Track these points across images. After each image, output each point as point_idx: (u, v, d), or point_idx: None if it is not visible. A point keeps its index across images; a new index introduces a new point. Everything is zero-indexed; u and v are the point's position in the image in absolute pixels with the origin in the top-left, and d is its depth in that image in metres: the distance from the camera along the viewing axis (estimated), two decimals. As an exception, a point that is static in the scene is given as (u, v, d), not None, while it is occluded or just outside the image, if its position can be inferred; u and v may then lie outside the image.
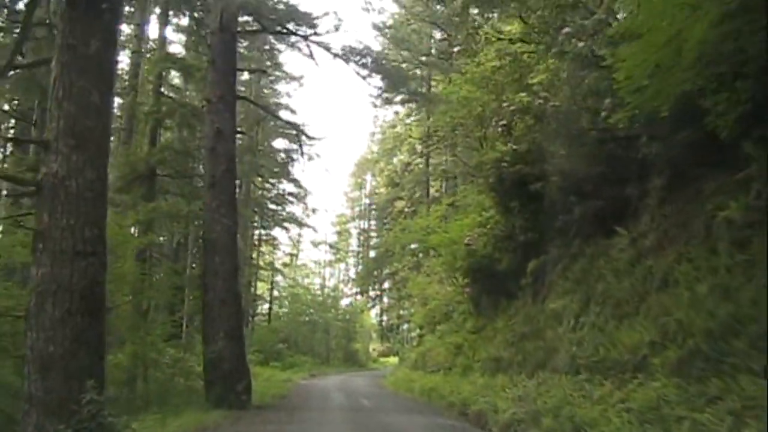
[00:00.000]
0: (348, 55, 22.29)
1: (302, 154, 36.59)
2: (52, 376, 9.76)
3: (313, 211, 56.89)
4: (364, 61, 22.55)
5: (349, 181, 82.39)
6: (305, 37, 21.65)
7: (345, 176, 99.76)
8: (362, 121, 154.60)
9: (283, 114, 44.95)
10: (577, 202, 16.44)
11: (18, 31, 15.16)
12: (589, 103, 15.22)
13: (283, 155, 50.21)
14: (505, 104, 19.20)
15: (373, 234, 73.20)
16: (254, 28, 23.51)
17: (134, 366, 19.50)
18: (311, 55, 22.62)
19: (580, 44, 14.55)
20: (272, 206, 53.01)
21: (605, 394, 10.71)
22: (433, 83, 41.87)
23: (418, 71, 44.09)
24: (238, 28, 20.93)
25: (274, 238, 59.51)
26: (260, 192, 49.91)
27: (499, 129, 19.99)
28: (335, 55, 21.93)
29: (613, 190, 15.29)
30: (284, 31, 22.60)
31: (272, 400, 21.38)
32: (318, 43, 21.68)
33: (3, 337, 14.56)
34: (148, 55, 26.53)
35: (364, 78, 23.19)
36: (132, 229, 19.90)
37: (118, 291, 18.94)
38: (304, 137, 28.05)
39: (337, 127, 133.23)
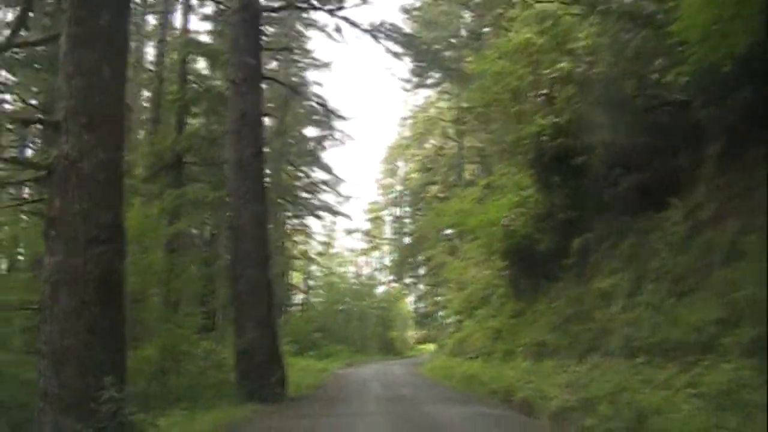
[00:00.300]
0: (377, 31, 21.36)
1: (333, 135, 35.46)
2: (67, 370, 9.06)
3: (347, 198, 55.93)
4: (394, 36, 21.61)
5: (380, 168, 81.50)
6: (331, 12, 20.76)
7: (376, 163, 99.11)
8: (392, 107, 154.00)
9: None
10: (623, 175, 15.48)
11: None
12: (636, 67, 14.16)
13: (312, 144, 49.33)
14: (545, 72, 18.12)
15: (407, 221, 72.18)
16: (278, 4, 22.61)
17: (164, 359, 18.82)
18: (338, 31, 21.67)
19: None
20: (304, 195, 52.12)
21: (669, 378, 9.75)
22: (463, 64, 40.68)
23: (447, 53, 43.10)
24: (261, 2, 20.05)
25: (307, 226, 58.70)
26: (292, 181, 49.06)
27: (539, 99, 18.93)
28: (364, 31, 21.02)
29: (661, 160, 14.32)
30: (309, 5, 21.66)
31: (308, 391, 20.61)
32: (345, 18, 20.80)
33: (25, 332, 13.93)
34: (170, 40, 25.74)
35: (395, 55, 22.26)
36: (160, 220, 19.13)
37: (146, 282, 18.35)
38: (333, 117, 27.09)
39: (367, 115, 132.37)
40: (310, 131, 49.53)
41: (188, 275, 22.42)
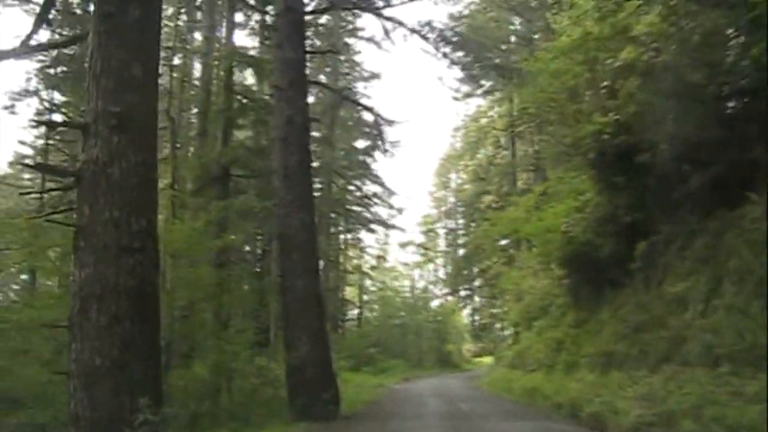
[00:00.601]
0: (426, 30, 20.51)
1: (382, 141, 34.59)
2: (99, 391, 8.35)
3: (399, 211, 55.04)
4: (443, 35, 20.72)
5: (433, 180, 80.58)
6: (378, 12, 19.96)
7: (429, 176, 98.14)
8: (443, 119, 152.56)
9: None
10: (693, 171, 14.33)
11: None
12: (705, 53, 13.04)
13: (362, 156, 48.64)
14: (607, 62, 17.02)
15: (460, 233, 71.00)
16: (323, 6, 21.91)
17: (215, 377, 18.16)
18: (386, 33, 20.79)
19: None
20: (356, 208, 51.49)
21: (761, 390, 8.61)
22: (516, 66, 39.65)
23: (497, 60, 42.23)
24: (306, 7, 19.35)
25: (360, 240, 57.96)
26: (343, 194, 48.45)
27: (601, 93, 17.81)
28: (412, 31, 20.19)
29: (734, 153, 13.15)
30: (354, 5, 20.88)
31: (363, 408, 19.76)
32: (391, 19, 19.98)
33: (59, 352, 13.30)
34: (216, 54, 25.22)
35: (444, 56, 21.35)
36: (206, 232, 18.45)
37: (195, 297, 17.71)
38: (382, 123, 26.24)
39: (417, 127, 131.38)
40: (360, 144, 48.96)
41: (239, 289, 21.75)
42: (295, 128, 17.00)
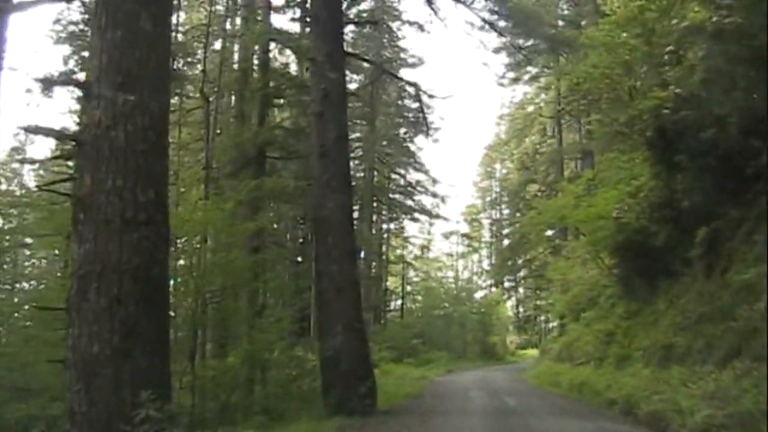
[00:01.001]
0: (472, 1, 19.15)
1: (425, 119, 33.06)
2: (98, 383, 7.32)
3: (443, 200, 53.66)
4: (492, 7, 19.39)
5: (477, 170, 79.19)
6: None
7: (473, 166, 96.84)
8: (487, 109, 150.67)
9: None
10: (765, 148, 12.89)
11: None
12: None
13: (405, 136, 47.20)
14: (674, 21, 15.54)
15: (505, 222, 69.40)
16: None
17: (250, 368, 17.20)
18: (428, 4, 19.47)
19: None
20: (399, 197, 50.30)
21: None
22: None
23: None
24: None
25: (403, 229, 56.78)
26: (386, 182, 47.33)
27: (661, 63, 16.36)
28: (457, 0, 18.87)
29: (814, 127, 11.74)
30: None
31: (403, 402, 18.58)
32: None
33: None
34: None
35: (491, 26, 19.94)
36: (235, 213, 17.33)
37: (228, 283, 16.72)
38: (426, 100, 24.84)
39: (461, 117, 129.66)
40: (403, 130, 47.71)
41: (275, 276, 20.72)
42: (332, 103, 15.81)
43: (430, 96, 20.56)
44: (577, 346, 26.66)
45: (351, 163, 41.06)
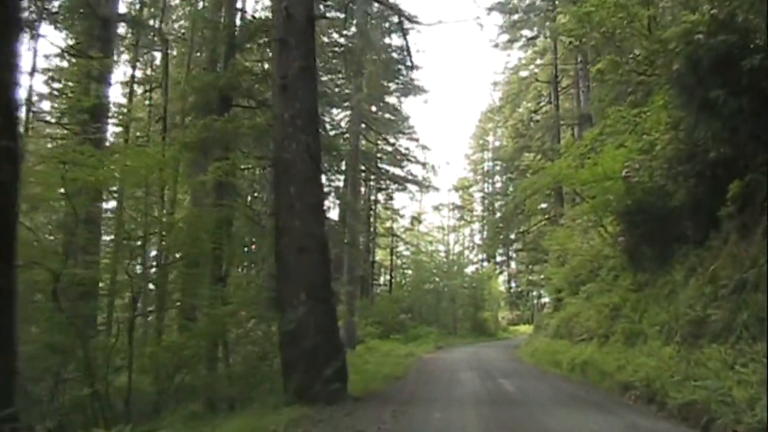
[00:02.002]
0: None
1: (408, 51, 29.95)
2: None
3: (434, 170, 50.89)
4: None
5: (470, 143, 76.54)
6: None
7: (465, 139, 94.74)
8: (481, 81, 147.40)
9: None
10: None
11: None
12: None
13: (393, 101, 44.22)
14: None
15: (498, 195, 66.64)
16: None
17: (212, 345, 14.58)
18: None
19: None
20: (388, 168, 47.45)
21: None
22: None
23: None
24: None
25: (392, 198, 53.92)
26: (374, 148, 44.45)
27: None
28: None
29: None
30: None
31: (382, 386, 15.96)
32: None
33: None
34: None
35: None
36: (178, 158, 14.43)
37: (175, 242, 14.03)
38: (408, 25, 21.83)
39: (454, 88, 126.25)
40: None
41: (241, 235, 17.88)
42: (296, 27, 12.97)
43: (414, 22, 17.71)
44: (577, 321, 24.13)
45: (334, 126, 38.77)
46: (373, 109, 42.74)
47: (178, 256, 13.86)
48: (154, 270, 13.80)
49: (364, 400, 12.47)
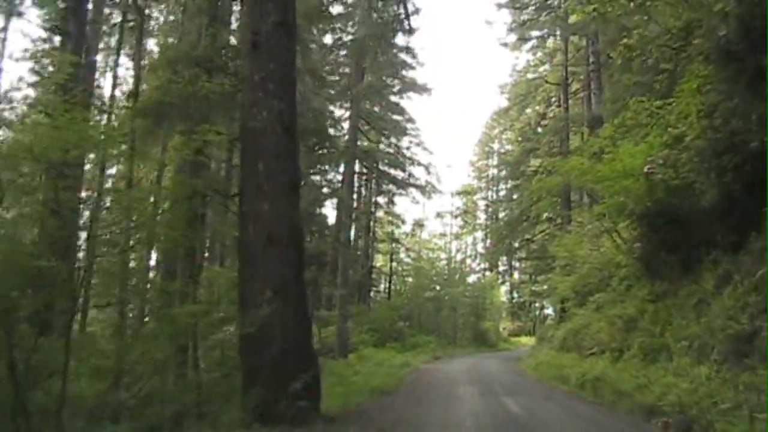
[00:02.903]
0: None
1: (407, 17, 27.54)
2: None
3: (437, 178, 48.60)
4: None
5: (475, 150, 74.34)
6: None
7: (470, 145, 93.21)
8: (488, 86, 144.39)
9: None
10: None
11: None
12: None
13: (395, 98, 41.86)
14: None
15: (503, 200, 64.13)
16: None
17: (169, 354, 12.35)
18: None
19: None
20: (389, 169, 45.08)
21: None
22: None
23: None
24: None
25: (392, 201, 51.57)
26: (375, 147, 42.11)
27: None
28: None
29: None
30: None
31: (367, 402, 13.75)
32: None
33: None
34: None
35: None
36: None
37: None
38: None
39: (460, 94, 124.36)
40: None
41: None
42: (271, -30, 10.82)
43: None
44: (586, 333, 21.96)
45: (333, 124, 36.62)
46: (376, 109, 40.61)
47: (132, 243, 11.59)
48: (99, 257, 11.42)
49: (340, 421, 10.19)
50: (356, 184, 48.82)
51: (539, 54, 45.11)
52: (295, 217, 10.41)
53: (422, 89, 38.65)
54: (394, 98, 41.36)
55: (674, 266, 16.94)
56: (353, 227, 48.59)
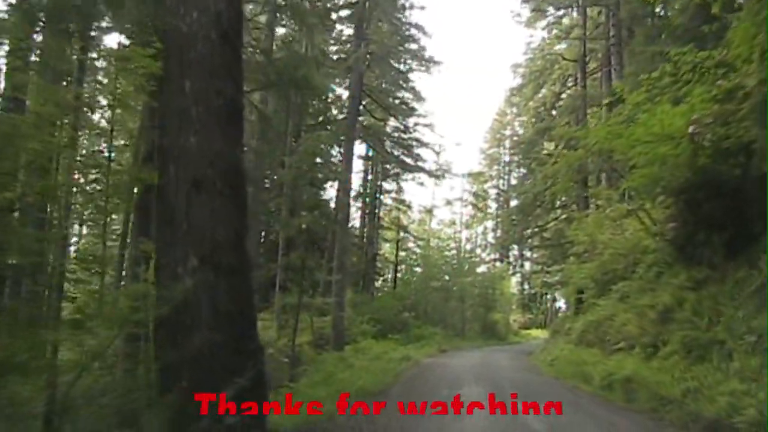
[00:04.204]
0: None
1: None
2: None
3: (447, 166, 45.44)
4: None
5: (486, 137, 71.30)
6: None
7: (480, 132, 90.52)
8: (500, 69, 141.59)
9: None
10: None
11: None
12: None
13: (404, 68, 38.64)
14: None
15: (514, 182, 61.30)
16: None
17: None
18: None
19: None
20: (395, 149, 42.08)
21: None
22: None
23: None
24: None
25: (399, 185, 48.65)
26: (381, 125, 39.18)
27: None
28: None
29: None
30: None
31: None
32: None
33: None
34: None
35: None
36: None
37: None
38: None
39: (470, 71, 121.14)
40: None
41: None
42: None
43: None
44: (610, 326, 19.01)
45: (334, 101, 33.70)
46: (384, 85, 37.54)
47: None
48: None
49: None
50: (361, 168, 46.22)
51: (555, 32, 42.08)
52: (233, 155, 7.29)
53: (431, 62, 35.39)
54: (400, 67, 37.93)
55: (717, 248, 14.28)
56: (358, 214, 46.01)
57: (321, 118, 34.50)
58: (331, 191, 36.27)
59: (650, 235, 19.22)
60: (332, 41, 34.52)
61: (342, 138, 29.32)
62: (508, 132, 67.67)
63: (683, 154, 14.92)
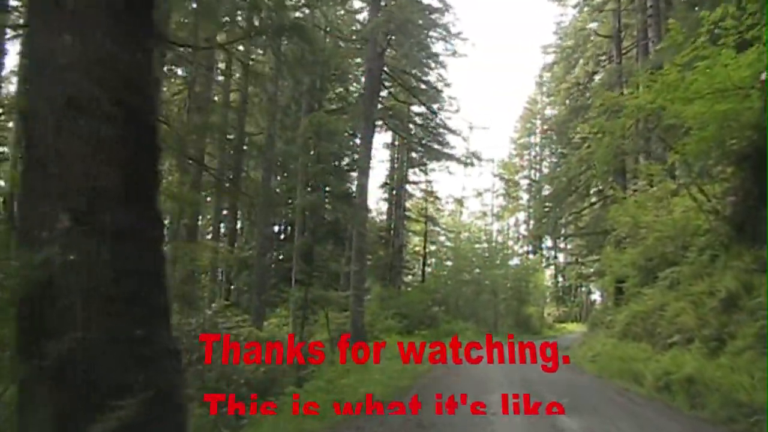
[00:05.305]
0: None
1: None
2: None
3: (476, 155, 42.89)
4: None
5: (516, 126, 68.89)
6: None
7: (510, 121, 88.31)
8: (529, 46, 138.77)
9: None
10: None
11: None
12: None
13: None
14: None
15: (546, 177, 58.73)
16: None
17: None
18: None
19: None
20: (421, 134, 39.80)
21: None
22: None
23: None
24: None
25: (426, 174, 46.27)
26: (405, 108, 36.86)
27: None
28: None
29: None
30: None
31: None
32: None
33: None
34: None
35: None
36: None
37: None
38: None
39: (498, 50, 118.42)
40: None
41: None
42: None
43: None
44: (660, 317, 16.50)
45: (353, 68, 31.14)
46: (407, 67, 35.06)
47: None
48: None
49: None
50: (387, 158, 44.05)
51: (586, 9, 39.46)
52: (132, 61, 4.71)
53: (456, 37, 32.74)
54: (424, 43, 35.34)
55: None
56: (384, 207, 43.74)
57: (341, 104, 32.32)
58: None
59: (703, 213, 16.63)
60: (348, 18, 32.48)
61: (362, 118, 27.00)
62: (538, 121, 65.19)
63: (750, 111, 12.33)
